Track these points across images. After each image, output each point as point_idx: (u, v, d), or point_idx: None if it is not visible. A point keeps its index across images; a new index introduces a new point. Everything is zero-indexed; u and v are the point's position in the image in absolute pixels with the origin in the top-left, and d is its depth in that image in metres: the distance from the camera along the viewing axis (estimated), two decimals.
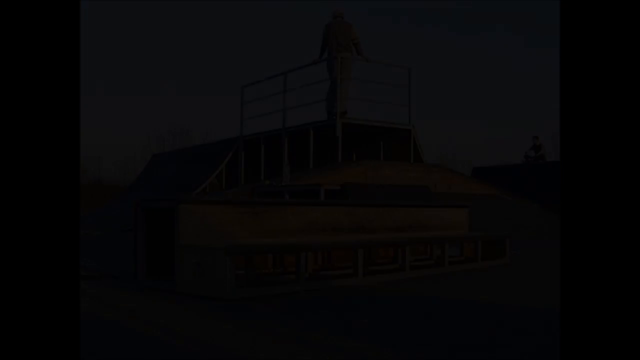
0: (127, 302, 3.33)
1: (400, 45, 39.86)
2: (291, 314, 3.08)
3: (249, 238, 4.06)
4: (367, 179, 9.49)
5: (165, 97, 40.40)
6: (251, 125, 13.51)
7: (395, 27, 41.71)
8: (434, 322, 2.87)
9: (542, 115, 40.62)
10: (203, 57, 41.48)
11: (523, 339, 2.50)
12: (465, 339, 2.48)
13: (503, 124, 39.74)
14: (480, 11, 40.70)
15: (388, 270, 4.76)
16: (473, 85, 41.34)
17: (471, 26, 41.80)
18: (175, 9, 40.83)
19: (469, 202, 6.82)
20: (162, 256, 3.96)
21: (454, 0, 39.04)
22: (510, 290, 4.04)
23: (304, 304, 3.37)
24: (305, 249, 3.86)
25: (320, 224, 4.61)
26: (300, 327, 2.70)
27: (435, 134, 38.74)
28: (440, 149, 32.55)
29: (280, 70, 12.33)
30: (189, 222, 3.73)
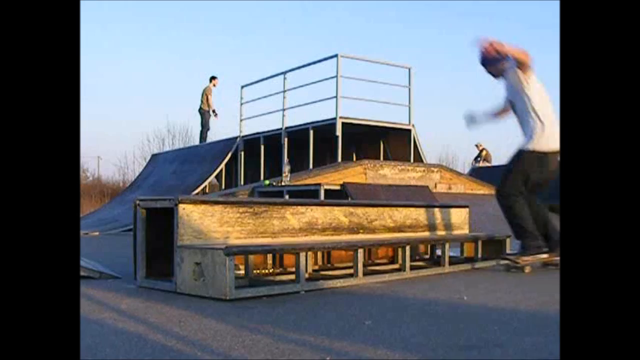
0: (126, 302, 3.33)
1: (401, 45, 39.87)
2: (291, 314, 3.08)
3: (248, 238, 4.07)
4: (367, 179, 9.49)
5: (166, 96, 40.41)
6: (251, 125, 13.58)
7: (395, 26, 41.72)
8: (434, 323, 2.87)
9: None
10: (203, 57, 41.46)
11: (523, 339, 2.50)
12: (465, 339, 2.48)
13: (503, 124, 39.74)
14: (480, 10, 40.70)
15: (388, 270, 4.76)
16: (473, 84, 41.35)
17: (472, 25, 41.80)
18: (176, 8, 40.82)
19: (469, 202, 6.82)
20: (161, 256, 3.96)
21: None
22: (510, 291, 4.04)
23: (304, 304, 3.37)
24: (305, 249, 3.86)
25: (320, 224, 4.61)
26: (300, 328, 2.70)
27: (435, 134, 38.72)
28: (440, 149, 32.58)
29: (280, 70, 12.36)
30: (189, 222, 3.73)
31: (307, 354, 2.22)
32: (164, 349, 2.27)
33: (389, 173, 9.83)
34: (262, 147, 12.98)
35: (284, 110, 12.22)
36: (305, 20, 43.39)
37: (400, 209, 5.40)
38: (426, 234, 5.58)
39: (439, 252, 5.41)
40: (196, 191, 12.03)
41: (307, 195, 8.20)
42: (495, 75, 5.09)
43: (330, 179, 9.04)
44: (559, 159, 4.75)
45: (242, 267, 4.15)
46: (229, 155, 13.07)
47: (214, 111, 14.78)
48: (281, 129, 12.26)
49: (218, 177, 14.26)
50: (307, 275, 4.03)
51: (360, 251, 4.24)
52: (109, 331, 2.57)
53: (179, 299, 3.44)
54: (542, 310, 3.22)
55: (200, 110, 14.92)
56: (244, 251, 3.84)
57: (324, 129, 11.12)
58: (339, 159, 10.77)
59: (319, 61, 11.36)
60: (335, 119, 10.77)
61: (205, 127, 15.07)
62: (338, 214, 4.78)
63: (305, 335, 2.52)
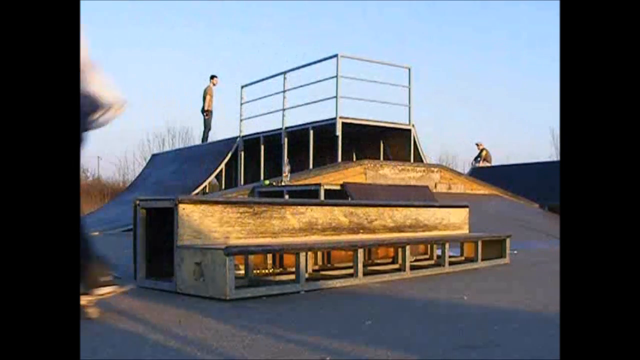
0: (126, 302, 3.33)
1: (400, 44, 39.88)
2: (291, 314, 3.08)
3: (248, 238, 4.07)
4: (367, 179, 9.49)
5: (165, 96, 40.44)
6: (251, 125, 13.54)
7: (395, 25, 41.73)
8: (434, 323, 2.87)
9: (542, 114, 40.65)
10: (203, 56, 41.48)
11: (523, 339, 2.50)
12: (465, 339, 2.48)
13: (503, 124, 39.75)
14: (481, 10, 40.71)
15: (388, 270, 4.76)
16: (473, 84, 41.35)
17: (472, 24, 41.82)
18: (176, 7, 40.83)
19: (469, 202, 6.82)
20: (161, 256, 3.96)
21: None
22: (510, 291, 4.04)
23: (304, 304, 3.37)
24: (305, 249, 3.86)
25: (320, 224, 4.61)
26: (300, 328, 2.70)
27: (435, 134, 38.77)
28: (440, 149, 32.65)
29: (280, 70, 12.35)
30: (189, 222, 3.73)
31: (307, 354, 2.22)
32: (164, 349, 2.27)
33: (389, 173, 9.83)
34: (262, 147, 12.97)
35: (284, 110, 12.21)
36: (305, 20, 43.40)
37: (400, 209, 5.40)
38: (426, 234, 5.58)
39: (439, 252, 5.41)
40: (196, 191, 12.03)
41: (307, 195, 8.20)
42: None
43: (330, 179, 9.03)
44: None
45: (242, 267, 4.15)
46: (229, 155, 13.06)
47: (209, 111, 14.80)
48: (281, 129, 12.25)
49: (218, 177, 14.24)
50: (307, 275, 4.03)
51: (360, 251, 4.24)
52: (109, 331, 2.57)
53: (179, 299, 3.44)
54: (542, 310, 3.22)
55: (203, 110, 14.94)
56: (244, 251, 3.84)
57: (324, 129, 11.12)
58: (339, 159, 10.77)
59: (319, 61, 11.35)
60: (335, 119, 10.76)
61: (207, 128, 15.09)
62: (338, 214, 4.78)
63: (305, 335, 2.52)
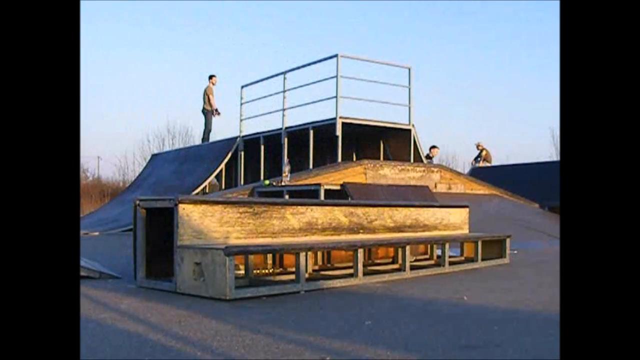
0: (126, 302, 3.33)
1: (400, 43, 39.87)
2: (291, 314, 3.07)
3: (248, 238, 4.07)
4: (367, 179, 9.49)
5: (166, 96, 40.43)
6: (251, 125, 13.54)
7: (395, 25, 41.73)
8: (433, 323, 2.87)
9: (542, 114, 40.64)
10: (203, 56, 41.47)
11: (523, 339, 2.50)
12: (465, 339, 2.48)
13: (503, 124, 39.74)
14: (481, 9, 40.71)
15: (388, 270, 4.76)
16: (473, 84, 41.35)
17: (472, 23, 41.80)
18: (175, 7, 40.83)
19: (469, 202, 6.82)
20: (161, 256, 3.96)
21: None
22: (510, 291, 4.04)
23: (304, 304, 3.37)
24: (305, 249, 3.86)
25: (320, 224, 4.61)
26: (300, 328, 2.70)
27: (435, 134, 38.76)
28: (440, 149, 32.61)
29: (280, 71, 12.36)
30: (189, 222, 3.73)
31: (307, 354, 2.22)
32: (164, 349, 2.27)
33: (389, 173, 9.83)
34: (262, 147, 12.97)
35: (284, 110, 12.21)
36: (305, 20, 43.38)
37: (400, 209, 5.40)
38: (426, 234, 5.58)
39: (439, 252, 5.41)
40: (196, 191, 12.03)
41: (307, 195, 8.20)
42: None
43: (330, 179, 9.03)
44: None
45: (242, 267, 4.15)
46: (229, 155, 13.06)
47: (216, 110, 14.83)
48: (281, 129, 12.25)
49: (218, 177, 14.24)
50: (307, 275, 4.03)
51: (360, 251, 4.24)
52: (109, 331, 2.57)
53: (179, 299, 3.44)
54: (542, 310, 3.22)
55: (204, 110, 14.96)
56: (244, 251, 3.84)
57: (324, 129, 11.11)
58: (339, 159, 10.76)
59: (319, 61, 11.35)
60: (335, 119, 10.76)
61: (207, 128, 15.12)
62: (338, 214, 4.78)
63: (305, 335, 2.52)
